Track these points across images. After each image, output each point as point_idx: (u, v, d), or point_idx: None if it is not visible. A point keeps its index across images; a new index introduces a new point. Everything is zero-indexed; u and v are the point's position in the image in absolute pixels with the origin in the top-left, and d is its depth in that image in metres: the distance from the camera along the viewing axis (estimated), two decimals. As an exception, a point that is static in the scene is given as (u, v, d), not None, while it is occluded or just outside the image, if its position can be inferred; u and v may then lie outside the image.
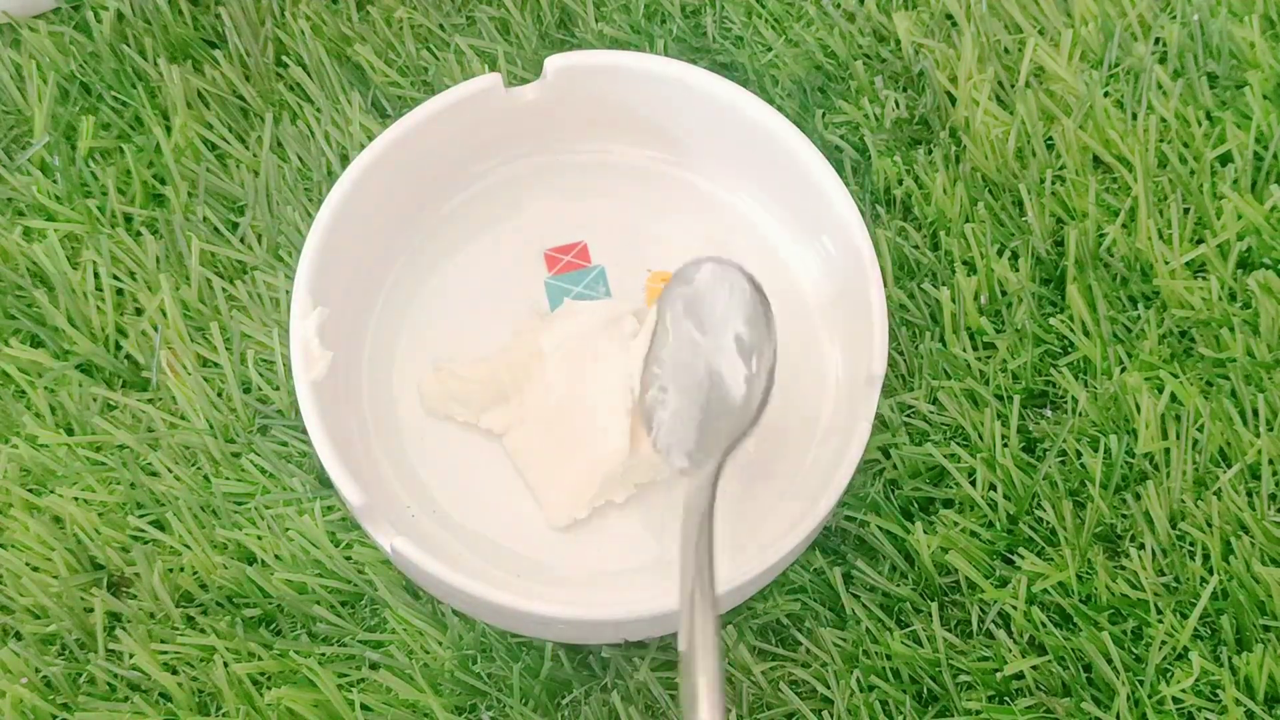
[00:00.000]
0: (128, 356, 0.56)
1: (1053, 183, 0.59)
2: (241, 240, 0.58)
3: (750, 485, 0.54)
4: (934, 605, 0.52)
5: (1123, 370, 0.55)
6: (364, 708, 0.51)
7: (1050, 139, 0.60)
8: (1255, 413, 0.54)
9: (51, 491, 0.54)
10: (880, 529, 0.53)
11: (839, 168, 0.59)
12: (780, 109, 0.60)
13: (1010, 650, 0.51)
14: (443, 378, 0.54)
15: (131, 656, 0.51)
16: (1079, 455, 0.54)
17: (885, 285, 0.56)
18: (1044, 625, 0.51)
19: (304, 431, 0.50)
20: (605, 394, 0.52)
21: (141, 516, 0.53)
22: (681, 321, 0.51)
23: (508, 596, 0.48)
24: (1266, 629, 0.51)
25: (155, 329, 0.56)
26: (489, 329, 0.55)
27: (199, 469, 0.54)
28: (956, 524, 0.53)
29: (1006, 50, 0.61)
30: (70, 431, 0.55)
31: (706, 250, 0.57)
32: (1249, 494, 0.53)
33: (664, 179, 0.59)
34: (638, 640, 0.51)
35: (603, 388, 0.52)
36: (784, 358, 0.56)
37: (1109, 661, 0.51)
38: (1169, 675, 0.51)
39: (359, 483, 0.49)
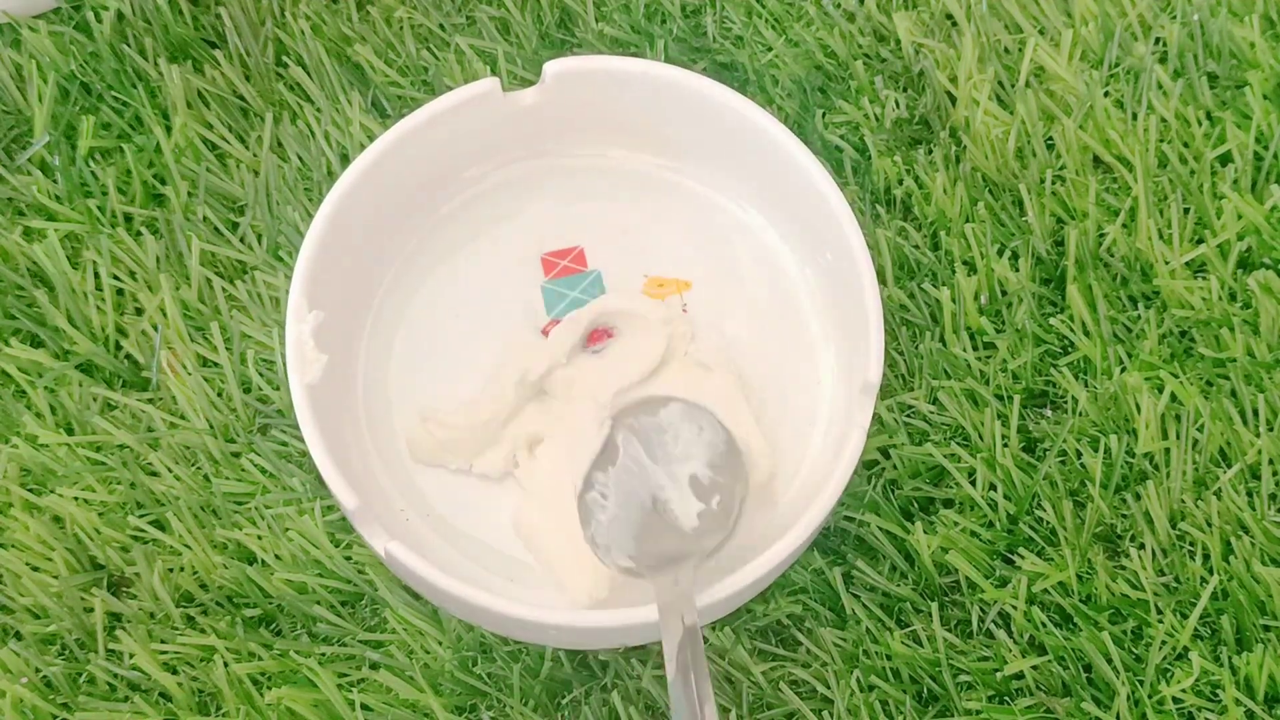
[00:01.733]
0: (128, 356, 0.56)
1: (1053, 183, 0.59)
2: (241, 240, 0.58)
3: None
4: (934, 605, 0.52)
5: (1123, 370, 0.55)
6: (364, 708, 0.51)
7: (1050, 139, 0.60)
8: (1255, 413, 0.54)
9: (51, 491, 0.54)
10: (880, 529, 0.53)
11: (839, 167, 0.59)
12: (780, 109, 0.60)
13: (1010, 650, 0.51)
14: (431, 428, 0.53)
15: (131, 656, 0.51)
16: (1079, 455, 0.54)
17: (885, 285, 0.56)
18: (1044, 625, 0.51)
19: (304, 431, 0.51)
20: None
21: (141, 516, 0.53)
22: (630, 444, 0.52)
23: (501, 602, 0.48)
24: (1266, 629, 0.51)
25: (155, 329, 0.56)
26: (486, 333, 0.55)
27: (199, 469, 0.54)
28: (956, 524, 0.53)
29: (1006, 50, 0.61)
30: (70, 431, 0.55)
31: (704, 254, 0.57)
32: (1249, 494, 0.53)
33: (662, 184, 0.59)
34: (637, 645, 0.51)
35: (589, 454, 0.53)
36: (780, 362, 0.56)
37: (1109, 661, 0.51)
38: (1169, 675, 0.51)
39: (353, 485, 0.49)
